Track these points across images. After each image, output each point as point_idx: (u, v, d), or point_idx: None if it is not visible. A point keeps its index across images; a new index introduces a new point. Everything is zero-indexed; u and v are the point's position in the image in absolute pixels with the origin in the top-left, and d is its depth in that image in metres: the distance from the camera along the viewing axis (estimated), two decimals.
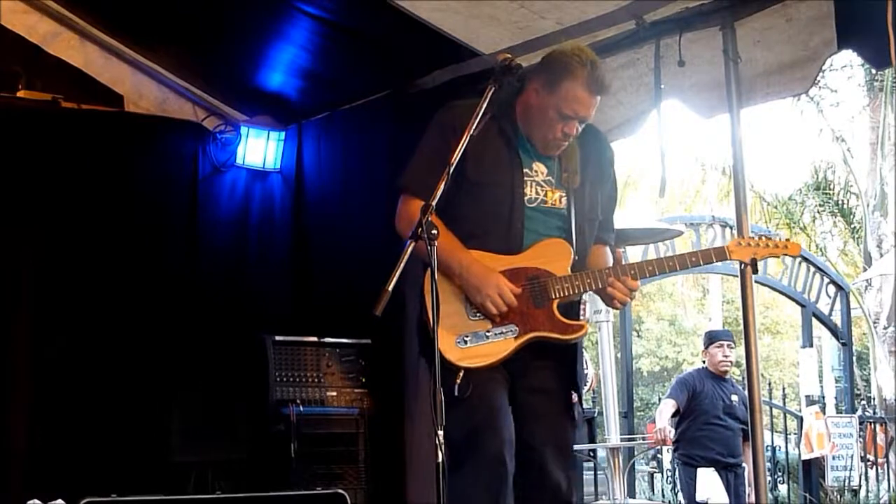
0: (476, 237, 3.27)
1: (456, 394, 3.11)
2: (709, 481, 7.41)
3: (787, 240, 3.48)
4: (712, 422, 7.46)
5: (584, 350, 3.58)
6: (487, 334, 3.22)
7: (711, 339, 7.91)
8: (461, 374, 3.16)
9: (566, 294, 3.24)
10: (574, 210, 3.33)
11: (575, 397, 3.38)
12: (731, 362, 7.77)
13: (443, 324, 3.10)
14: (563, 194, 3.34)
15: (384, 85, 5.65)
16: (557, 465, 3.32)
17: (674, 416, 7.63)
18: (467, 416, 3.14)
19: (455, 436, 3.02)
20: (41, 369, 5.43)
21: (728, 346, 7.73)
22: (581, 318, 3.44)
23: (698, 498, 7.41)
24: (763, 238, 3.41)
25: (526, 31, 4.66)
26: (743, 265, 3.45)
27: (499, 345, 3.22)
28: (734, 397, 7.62)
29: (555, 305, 3.24)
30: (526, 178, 3.31)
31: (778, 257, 3.51)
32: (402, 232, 3.25)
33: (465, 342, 3.21)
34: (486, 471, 3.15)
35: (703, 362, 7.94)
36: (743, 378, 7.46)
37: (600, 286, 3.28)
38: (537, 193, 3.31)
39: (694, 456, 7.52)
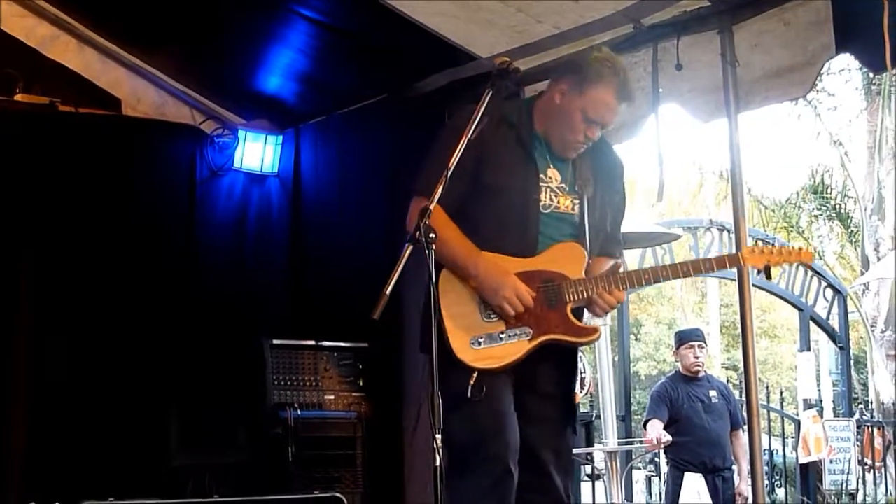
0: (491, 241, 3.26)
1: (469, 395, 3.11)
2: (694, 486, 7.35)
3: (801, 248, 3.48)
4: (695, 426, 7.32)
5: (581, 354, 3.59)
6: (501, 336, 3.21)
7: (681, 339, 7.70)
8: (475, 376, 3.15)
9: (581, 297, 3.24)
10: (586, 216, 3.34)
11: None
12: (702, 363, 7.56)
13: (457, 325, 3.13)
14: (576, 200, 3.35)
15: (381, 89, 5.64)
16: (559, 469, 3.33)
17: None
18: (473, 420, 3.13)
19: (460, 440, 3.03)
20: (40, 372, 5.42)
21: (699, 346, 7.54)
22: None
23: (682, 502, 7.36)
24: (776, 247, 3.44)
25: (523, 35, 4.66)
26: (758, 272, 3.45)
27: (512, 346, 3.21)
28: (712, 393, 7.47)
29: (569, 308, 3.24)
30: (541, 185, 3.32)
31: (792, 264, 3.53)
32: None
33: (480, 343, 3.20)
34: (492, 477, 3.14)
35: (676, 363, 7.79)
36: (741, 382, 7.44)
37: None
38: (551, 200, 3.32)
39: (682, 460, 7.41)
